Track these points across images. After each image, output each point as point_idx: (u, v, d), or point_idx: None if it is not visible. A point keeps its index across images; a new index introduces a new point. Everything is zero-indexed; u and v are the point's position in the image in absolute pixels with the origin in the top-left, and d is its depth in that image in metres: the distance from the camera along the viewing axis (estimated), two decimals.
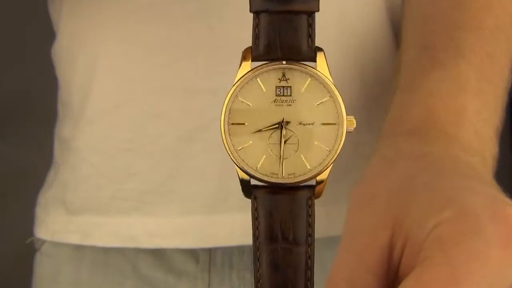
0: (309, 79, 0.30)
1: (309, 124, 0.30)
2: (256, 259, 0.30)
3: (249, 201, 0.50)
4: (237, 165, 0.31)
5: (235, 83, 0.30)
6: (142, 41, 0.50)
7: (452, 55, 0.41)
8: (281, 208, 0.30)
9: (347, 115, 0.30)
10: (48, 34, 0.58)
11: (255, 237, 0.30)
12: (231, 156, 0.31)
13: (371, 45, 0.52)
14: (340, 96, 0.30)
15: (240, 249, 0.52)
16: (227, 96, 0.31)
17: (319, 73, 0.30)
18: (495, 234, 0.27)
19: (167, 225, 0.51)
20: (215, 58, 0.49)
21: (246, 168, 0.30)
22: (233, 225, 0.50)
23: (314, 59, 0.30)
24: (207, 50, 0.49)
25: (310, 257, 0.30)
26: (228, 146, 0.31)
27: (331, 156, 0.30)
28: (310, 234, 0.30)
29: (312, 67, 0.30)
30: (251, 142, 0.30)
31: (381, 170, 0.34)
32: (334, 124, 0.30)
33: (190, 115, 0.50)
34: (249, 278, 0.53)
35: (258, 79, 0.30)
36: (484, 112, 0.40)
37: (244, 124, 0.30)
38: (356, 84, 0.52)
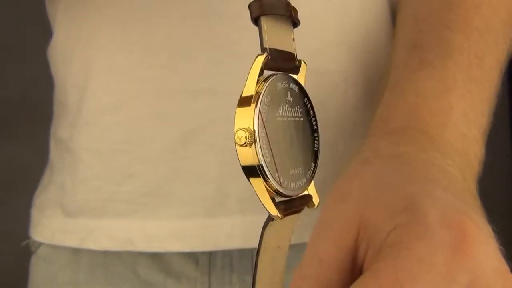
0: None
1: None
2: None
3: (248, 203, 0.50)
4: None
5: None
6: (139, 40, 0.50)
7: (439, 56, 0.41)
8: None
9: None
10: (47, 33, 0.58)
11: None
12: None
13: (374, 46, 0.52)
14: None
15: (241, 251, 0.52)
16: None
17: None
18: (443, 240, 0.27)
19: (165, 228, 0.50)
20: (214, 58, 0.48)
21: None
22: (233, 228, 0.50)
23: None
24: (206, 50, 0.48)
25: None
26: None
27: None
28: None
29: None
30: None
31: (356, 170, 0.34)
32: None
33: (188, 116, 0.49)
34: (249, 280, 0.52)
35: None
36: (470, 114, 0.40)
37: None
38: (359, 84, 0.51)
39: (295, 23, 0.29)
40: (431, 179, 0.32)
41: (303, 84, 0.29)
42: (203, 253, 0.52)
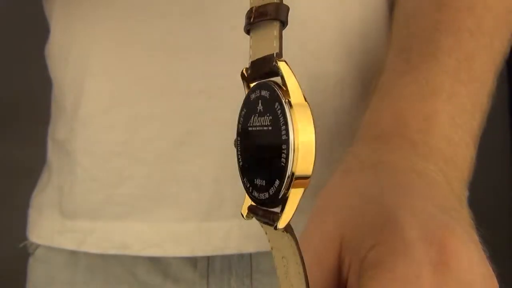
0: None
1: None
2: None
3: None
4: None
5: None
6: (135, 41, 0.49)
7: (426, 59, 0.41)
8: None
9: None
10: (47, 33, 0.58)
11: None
12: None
13: (372, 47, 0.52)
14: None
15: (239, 255, 0.51)
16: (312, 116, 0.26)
17: None
18: (424, 257, 0.26)
19: (161, 231, 0.50)
20: (211, 59, 0.48)
21: None
22: (229, 232, 0.49)
23: None
24: (203, 51, 0.48)
25: None
26: None
27: None
28: None
29: None
30: None
31: (338, 181, 0.34)
32: None
33: (185, 117, 0.49)
34: (248, 284, 0.52)
35: None
36: (459, 117, 0.39)
37: None
38: (355, 87, 0.51)
39: (282, 22, 0.26)
40: (411, 189, 0.32)
41: (290, 85, 0.25)
42: (202, 256, 0.51)
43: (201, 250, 0.50)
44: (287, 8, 0.26)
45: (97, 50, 0.50)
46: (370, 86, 0.50)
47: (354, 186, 0.32)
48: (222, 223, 0.49)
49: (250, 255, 0.52)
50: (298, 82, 0.25)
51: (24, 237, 0.58)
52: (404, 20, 0.45)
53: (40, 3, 0.58)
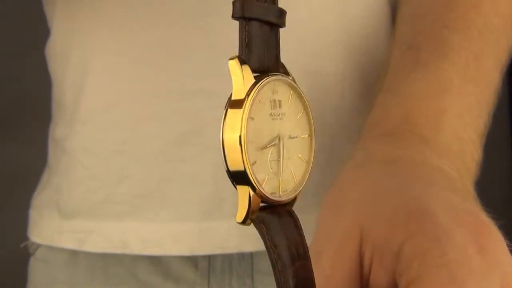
0: (291, 91, 0.28)
1: (294, 137, 0.28)
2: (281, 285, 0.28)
3: None
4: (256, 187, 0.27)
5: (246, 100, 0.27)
6: (136, 40, 0.49)
7: (435, 56, 0.40)
8: (289, 226, 0.27)
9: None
10: (47, 33, 0.58)
11: (275, 262, 0.28)
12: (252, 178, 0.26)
13: (373, 47, 0.52)
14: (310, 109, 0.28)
15: (240, 255, 0.51)
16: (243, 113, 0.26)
17: (297, 86, 0.28)
18: (466, 241, 0.26)
19: (160, 231, 0.50)
20: (210, 58, 0.48)
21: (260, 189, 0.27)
22: (229, 232, 0.49)
23: (287, 73, 0.28)
24: (203, 50, 0.48)
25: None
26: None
27: (309, 167, 0.28)
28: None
29: (291, 80, 0.28)
30: (256, 161, 0.27)
31: (350, 176, 0.34)
32: (308, 136, 0.28)
33: (185, 117, 0.49)
34: (249, 284, 0.52)
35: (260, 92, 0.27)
36: (466, 115, 0.39)
37: (252, 141, 0.27)
38: (355, 86, 0.51)
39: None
40: (432, 181, 0.32)
41: (232, 82, 0.26)
42: (203, 256, 0.51)
43: (201, 249, 0.50)
44: (251, 3, 0.25)
45: (98, 49, 0.51)
46: (371, 86, 0.50)
47: (368, 181, 0.32)
48: (222, 222, 0.49)
49: (251, 255, 0.52)
50: (242, 77, 0.25)
51: (25, 237, 0.58)
52: (410, 17, 0.45)
53: (40, 3, 0.58)
